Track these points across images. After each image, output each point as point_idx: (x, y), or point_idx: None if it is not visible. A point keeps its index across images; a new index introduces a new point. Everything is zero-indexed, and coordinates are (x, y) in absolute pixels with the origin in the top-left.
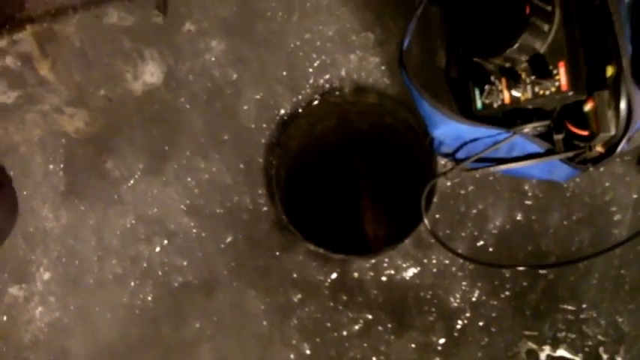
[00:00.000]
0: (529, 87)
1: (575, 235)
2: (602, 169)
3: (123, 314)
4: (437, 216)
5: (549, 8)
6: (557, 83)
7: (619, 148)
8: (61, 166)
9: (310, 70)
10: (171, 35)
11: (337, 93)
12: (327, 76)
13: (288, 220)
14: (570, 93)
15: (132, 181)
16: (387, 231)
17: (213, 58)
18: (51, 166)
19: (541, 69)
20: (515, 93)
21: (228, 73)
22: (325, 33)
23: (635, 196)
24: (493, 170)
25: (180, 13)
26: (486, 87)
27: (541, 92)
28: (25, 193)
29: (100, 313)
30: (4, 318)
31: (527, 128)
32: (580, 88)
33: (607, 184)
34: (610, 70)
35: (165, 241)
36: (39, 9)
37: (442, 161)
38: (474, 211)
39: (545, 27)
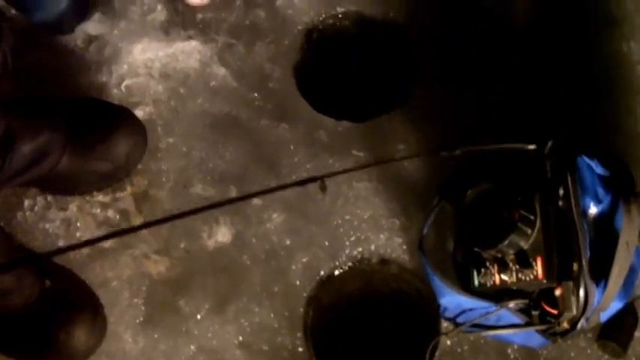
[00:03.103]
0: (514, 273)
1: None
2: (569, 342)
3: None
4: None
5: (532, 217)
6: (535, 272)
7: (579, 325)
8: (143, 300)
9: (347, 243)
10: (242, 206)
11: (366, 262)
12: (360, 249)
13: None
14: (545, 281)
15: (198, 318)
16: None
17: (272, 227)
18: (135, 299)
19: (524, 261)
20: (504, 277)
21: (283, 240)
22: (361, 216)
23: None
24: (484, 334)
25: (252, 190)
26: (482, 270)
27: (523, 278)
28: (111, 319)
29: None
30: None
31: (512, 304)
32: (552, 277)
33: (572, 354)
34: (575, 266)
35: None
36: (139, 175)
37: (445, 324)
38: None
39: (529, 231)
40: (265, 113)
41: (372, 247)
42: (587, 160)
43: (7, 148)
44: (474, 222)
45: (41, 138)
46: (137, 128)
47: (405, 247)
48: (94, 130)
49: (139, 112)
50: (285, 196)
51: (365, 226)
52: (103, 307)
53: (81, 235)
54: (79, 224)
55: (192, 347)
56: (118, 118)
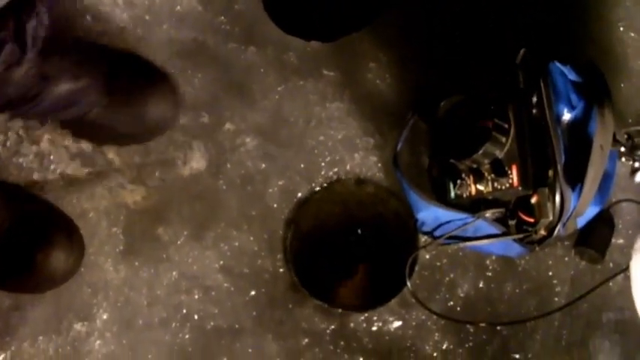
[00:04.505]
0: (490, 183)
1: (525, 301)
2: (546, 250)
3: (165, 350)
4: (417, 282)
5: (506, 126)
6: (510, 181)
7: (556, 232)
8: (122, 230)
9: (322, 164)
10: (214, 132)
11: (342, 183)
12: (336, 169)
13: (299, 281)
14: (520, 188)
15: (178, 245)
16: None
17: (246, 152)
18: (113, 229)
19: (499, 170)
20: (480, 187)
21: (258, 164)
22: (335, 137)
23: (572, 272)
24: (462, 246)
25: (223, 115)
26: (458, 182)
27: (499, 187)
28: (91, 249)
29: (146, 348)
30: (69, 348)
31: (488, 213)
32: (528, 185)
33: (550, 262)
34: (550, 173)
35: (202, 293)
36: None
37: (423, 239)
38: (447, 279)
39: (503, 139)
40: (232, 37)
41: (348, 167)
42: (559, 66)
43: (42, 87)
44: (448, 134)
45: (79, 83)
46: (174, 99)
47: (380, 165)
48: (132, 89)
49: (105, 39)
50: (257, 120)
51: (339, 147)
52: (79, 229)
53: (55, 167)
54: (52, 157)
55: (174, 273)
56: (158, 82)
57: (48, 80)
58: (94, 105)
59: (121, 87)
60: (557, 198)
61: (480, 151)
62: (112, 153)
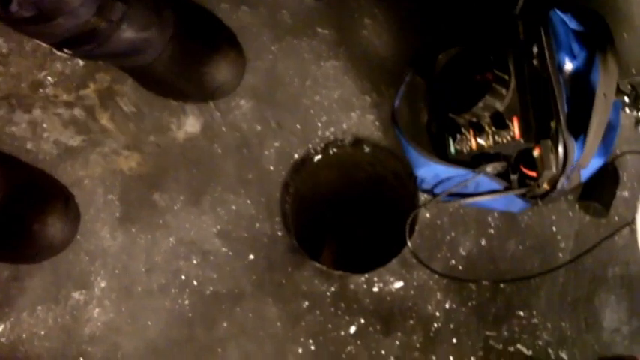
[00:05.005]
0: (491, 136)
1: (528, 258)
2: (550, 205)
3: (164, 316)
4: (418, 241)
5: (506, 77)
6: (512, 134)
7: (559, 185)
8: (118, 197)
9: (319, 124)
10: None
11: (340, 143)
12: (333, 129)
13: (298, 244)
14: (522, 141)
15: (174, 210)
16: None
17: (241, 115)
18: (109, 196)
19: (500, 122)
20: (480, 141)
21: (254, 127)
22: (332, 96)
23: (576, 228)
24: (463, 203)
25: None
26: (458, 137)
27: (500, 140)
28: (87, 217)
29: (146, 315)
30: (68, 317)
31: (489, 168)
32: (530, 137)
33: (554, 218)
34: (552, 125)
35: (200, 258)
36: (102, 71)
37: (423, 197)
38: (448, 237)
39: (503, 91)
40: None
41: (345, 127)
42: (560, 14)
43: (111, 32)
44: (446, 88)
45: (146, 32)
46: (239, 63)
47: (377, 123)
48: (198, 46)
49: None
50: (251, 81)
51: (336, 106)
52: (74, 197)
53: (49, 135)
54: (45, 125)
55: (172, 239)
56: (225, 44)
57: (112, 24)
58: (157, 55)
59: (188, 43)
60: (560, 149)
61: (480, 104)
62: (105, 119)
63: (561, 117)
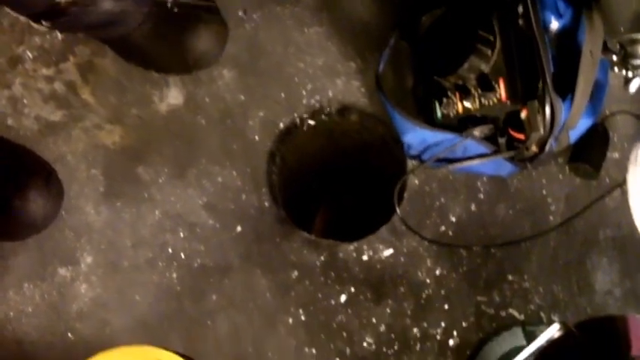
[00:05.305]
0: (477, 99)
1: (519, 222)
2: (540, 168)
3: (153, 290)
4: (407, 208)
5: (491, 38)
6: (498, 95)
7: (547, 146)
8: (101, 171)
9: (304, 92)
10: None
11: (326, 112)
12: (318, 97)
13: (287, 214)
14: (509, 102)
15: (159, 184)
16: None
17: (224, 85)
18: (93, 171)
19: (486, 84)
20: (467, 104)
21: (237, 96)
22: (316, 63)
23: (566, 190)
24: (451, 168)
25: None
26: (444, 100)
27: (486, 103)
28: (71, 193)
29: (134, 290)
30: (54, 294)
31: (477, 131)
32: (516, 98)
33: (543, 181)
34: (539, 85)
35: (187, 231)
36: (81, 44)
37: (411, 164)
38: (437, 204)
39: (489, 52)
40: None
41: (330, 94)
42: None
43: (89, 2)
44: (431, 50)
45: (123, 2)
46: (222, 33)
47: (363, 90)
48: (178, 15)
49: None
50: (232, 51)
51: (320, 74)
52: (56, 173)
53: (29, 111)
54: (25, 101)
55: (157, 213)
56: (206, 14)
57: None
58: (138, 27)
59: (168, 13)
60: (548, 109)
61: (465, 66)
62: (86, 93)
63: (547, 77)
